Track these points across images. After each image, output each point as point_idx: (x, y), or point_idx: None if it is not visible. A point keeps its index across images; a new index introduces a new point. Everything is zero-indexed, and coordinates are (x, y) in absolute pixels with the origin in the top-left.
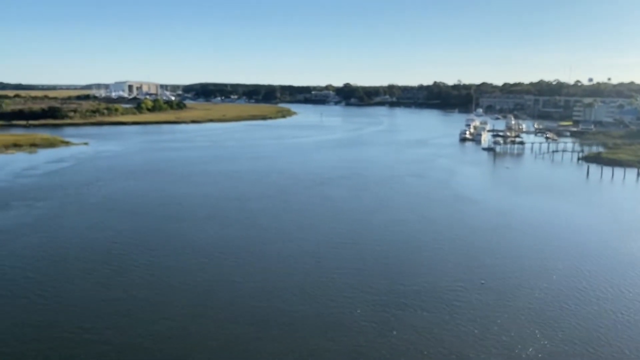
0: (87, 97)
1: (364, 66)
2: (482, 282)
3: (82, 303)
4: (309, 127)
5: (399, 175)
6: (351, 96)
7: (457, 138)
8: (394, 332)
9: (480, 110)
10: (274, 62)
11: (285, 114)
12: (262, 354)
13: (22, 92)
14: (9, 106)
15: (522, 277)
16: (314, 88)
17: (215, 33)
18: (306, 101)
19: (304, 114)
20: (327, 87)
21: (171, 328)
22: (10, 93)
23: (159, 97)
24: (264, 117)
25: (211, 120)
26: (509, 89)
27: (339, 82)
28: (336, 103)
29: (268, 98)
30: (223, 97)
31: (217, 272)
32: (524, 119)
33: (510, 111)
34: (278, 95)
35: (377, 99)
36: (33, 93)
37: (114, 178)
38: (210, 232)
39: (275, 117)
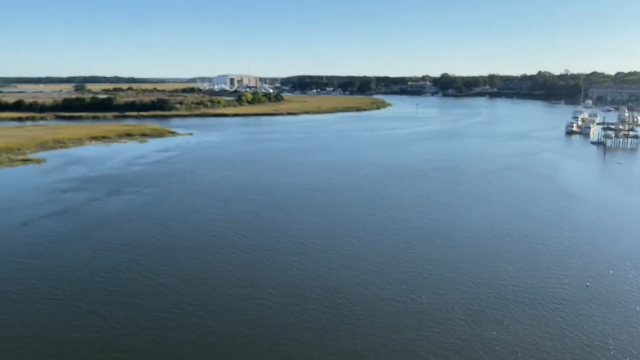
0: (192, 90)
1: (462, 56)
2: (588, 284)
3: (184, 284)
4: (404, 118)
5: (498, 169)
6: (449, 87)
7: (562, 131)
8: (493, 333)
9: (589, 102)
10: (369, 53)
11: (380, 105)
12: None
13: (134, 86)
14: (123, 98)
15: (632, 282)
16: (410, 79)
17: (312, 27)
18: (402, 92)
19: (399, 106)
20: (424, 78)
21: (265, 315)
22: (124, 86)
23: (258, 90)
24: (358, 109)
25: (306, 112)
26: (622, 79)
27: (436, 73)
28: (433, 94)
29: (363, 90)
30: (319, 89)
31: (309, 260)
32: (639, 112)
33: (624, 102)
34: (373, 86)
35: (477, 90)
36: (144, 86)
37: (215, 167)
38: (303, 222)
39: (369, 109)
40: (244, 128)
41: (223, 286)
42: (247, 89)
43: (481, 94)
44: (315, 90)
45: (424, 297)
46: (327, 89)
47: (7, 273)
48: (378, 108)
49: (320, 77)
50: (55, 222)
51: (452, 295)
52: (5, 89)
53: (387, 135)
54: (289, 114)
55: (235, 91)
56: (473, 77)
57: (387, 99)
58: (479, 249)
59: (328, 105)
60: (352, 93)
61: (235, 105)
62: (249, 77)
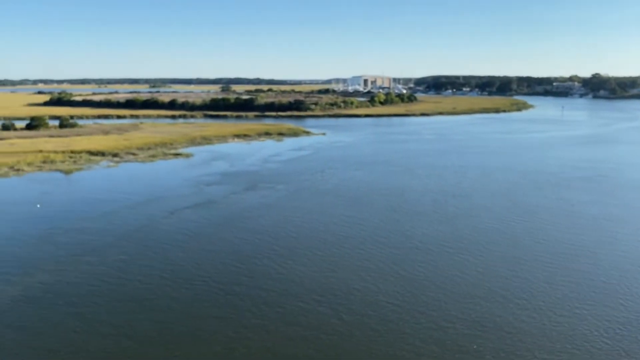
0: (326, 91)
1: (617, 54)
2: None
3: (309, 279)
4: (547, 121)
5: None
6: (600, 88)
7: None
8: None
9: None
10: (510, 51)
11: (521, 107)
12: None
13: (274, 87)
14: (263, 99)
15: None
16: (556, 79)
17: (447, 25)
18: (545, 93)
19: (542, 107)
20: (571, 78)
21: (388, 319)
22: (265, 88)
23: (391, 91)
24: (496, 110)
25: (440, 113)
26: None
27: (586, 73)
28: (581, 96)
29: (502, 90)
30: (454, 90)
31: (437, 267)
32: None
33: None
34: (514, 87)
35: (634, 91)
36: (282, 87)
37: (345, 167)
38: (431, 227)
39: (509, 110)
40: (375, 128)
41: (347, 285)
42: (380, 90)
43: (639, 96)
44: (450, 91)
45: (559, 317)
46: (464, 89)
47: (157, 256)
48: (519, 110)
49: (457, 77)
50: (198, 212)
51: (596, 322)
52: (162, 89)
53: (527, 139)
54: (422, 114)
55: (369, 92)
56: (630, 78)
57: (529, 100)
58: (624, 269)
59: (464, 106)
60: (490, 94)
61: (367, 106)
62: (382, 78)
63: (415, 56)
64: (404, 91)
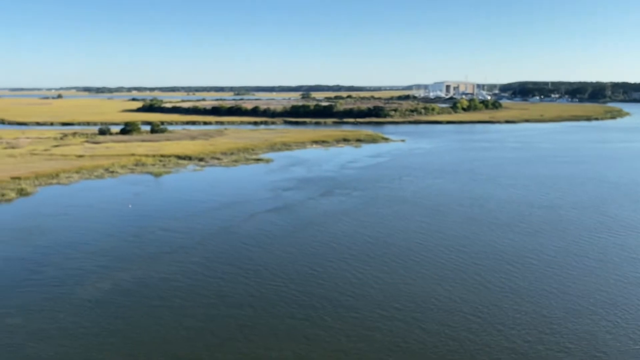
0: (407, 98)
1: None
2: None
3: (388, 287)
4: None
5: None
6: None
7: None
8: None
9: None
10: (604, 56)
11: (615, 114)
12: None
13: (354, 94)
14: (342, 106)
15: None
16: None
17: (534, 29)
18: None
19: None
20: None
21: (468, 331)
22: (344, 94)
23: (474, 97)
24: (588, 118)
25: (527, 121)
26: None
27: None
28: None
29: (595, 97)
30: (542, 96)
31: (519, 281)
32: None
33: None
34: (608, 93)
35: None
36: (362, 94)
37: (424, 175)
38: (513, 239)
39: (602, 118)
40: (457, 136)
41: (427, 294)
42: (463, 96)
43: None
44: (538, 98)
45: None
46: (552, 95)
47: (238, 257)
48: (613, 117)
49: (545, 83)
50: (276, 216)
51: None
52: (246, 97)
53: (623, 149)
54: (507, 122)
55: (451, 98)
56: None
57: (626, 107)
58: None
59: (552, 114)
60: (581, 100)
61: (449, 113)
62: (465, 84)
63: (501, 62)
64: (488, 97)
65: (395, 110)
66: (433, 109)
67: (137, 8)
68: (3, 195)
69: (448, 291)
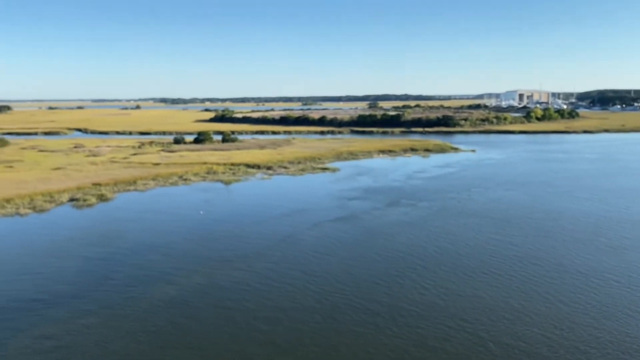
0: (477, 107)
1: None
2: None
3: (453, 300)
4: None
5: None
6: None
7: None
8: None
9: None
10: None
11: None
12: None
13: (422, 103)
14: (410, 115)
15: None
16: None
17: (613, 37)
18: None
19: None
20: None
21: (547, 349)
22: (412, 103)
23: (549, 106)
24: None
25: (606, 131)
26: None
27: None
28: None
29: None
30: (624, 105)
31: (597, 304)
32: None
33: None
34: None
35: None
36: (430, 103)
37: (494, 186)
38: (590, 255)
39: None
40: (530, 146)
41: (494, 312)
42: (537, 105)
43: None
44: (619, 106)
45: None
46: (635, 104)
47: (300, 267)
48: None
49: (627, 91)
50: (340, 226)
51: None
52: (313, 107)
53: None
54: (585, 132)
55: (524, 107)
56: None
57: None
58: None
59: (635, 123)
60: None
61: (522, 122)
62: (539, 93)
63: (578, 69)
64: (564, 106)
65: (465, 119)
66: (505, 119)
67: (210, 27)
68: (85, 200)
69: (521, 306)
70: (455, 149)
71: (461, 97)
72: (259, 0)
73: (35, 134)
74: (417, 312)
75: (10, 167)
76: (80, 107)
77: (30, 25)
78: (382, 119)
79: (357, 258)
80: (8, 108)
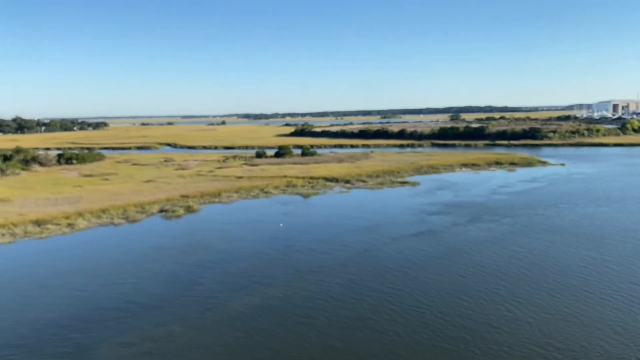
0: (567, 118)
1: None
2: None
3: (544, 323)
4: None
5: None
6: None
7: None
8: None
9: None
10: None
11: None
12: None
13: (507, 114)
14: (494, 127)
15: None
16: None
17: None
18: None
19: None
20: None
21: None
22: (497, 115)
23: None
24: None
25: None
26: None
27: None
28: None
29: None
30: None
31: None
32: None
33: None
34: None
35: None
36: (516, 115)
37: (585, 202)
38: None
39: None
40: (626, 159)
41: (589, 336)
42: (634, 116)
43: None
44: None
45: None
46: None
47: (378, 280)
48: None
49: None
50: (418, 241)
51: None
52: (392, 120)
53: None
54: None
55: (619, 118)
56: None
57: None
58: None
59: None
60: None
61: (617, 134)
62: (637, 103)
63: None
64: None
65: (553, 131)
66: (597, 130)
67: (291, 44)
68: (173, 211)
69: (619, 334)
70: (543, 163)
71: (549, 109)
72: (338, 15)
73: (129, 148)
74: (503, 336)
75: (106, 179)
76: (170, 123)
77: (125, 50)
78: (464, 132)
79: (438, 274)
80: (105, 124)
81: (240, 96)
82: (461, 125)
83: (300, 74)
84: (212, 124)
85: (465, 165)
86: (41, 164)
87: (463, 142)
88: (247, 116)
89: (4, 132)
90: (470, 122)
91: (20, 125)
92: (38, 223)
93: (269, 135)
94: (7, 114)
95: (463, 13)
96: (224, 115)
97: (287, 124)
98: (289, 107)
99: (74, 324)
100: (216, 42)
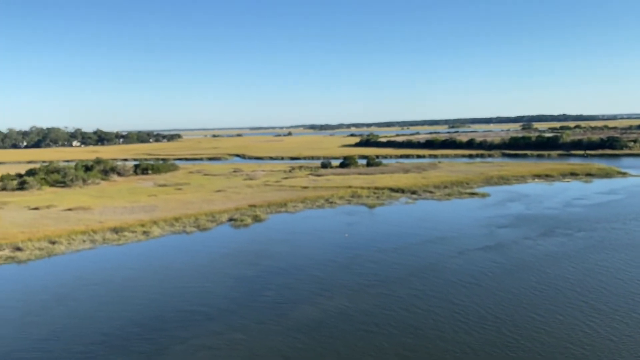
0: None
1: None
2: None
3: (620, 342)
4: None
5: None
6: None
7: None
8: None
9: None
10: None
11: None
12: None
13: (582, 123)
14: (569, 137)
15: None
16: None
17: None
18: None
19: None
20: None
21: None
22: (571, 124)
23: None
24: None
25: None
26: None
27: None
28: None
29: None
30: None
31: None
32: None
33: None
34: None
35: None
36: (593, 123)
37: None
38: None
39: None
40: None
41: None
42: None
43: None
44: None
45: None
46: None
47: (442, 295)
48: None
49: None
50: (486, 255)
51: None
52: (461, 129)
53: None
54: None
55: None
56: None
57: None
58: None
59: None
60: None
61: None
62: None
63: None
64: None
65: (634, 140)
66: None
67: (356, 55)
68: (242, 220)
69: None
70: (623, 174)
71: (629, 116)
72: (394, 31)
73: (201, 159)
74: (586, 355)
75: (180, 189)
76: (239, 135)
77: (199, 67)
78: (537, 141)
79: (509, 288)
80: (179, 136)
81: (306, 107)
82: (533, 135)
83: (364, 85)
84: (279, 135)
85: (538, 176)
86: (119, 174)
87: (535, 152)
88: (312, 127)
89: (85, 143)
90: (543, 131)
91: (101, 138)
92: (116, 230)
93: (334, 146)
94: (89, 127)
95: (535, 18)
96: (290, 127)
97: (352, 135)
98: (354, 118)
99: (150, 324)
100: (283, 56)
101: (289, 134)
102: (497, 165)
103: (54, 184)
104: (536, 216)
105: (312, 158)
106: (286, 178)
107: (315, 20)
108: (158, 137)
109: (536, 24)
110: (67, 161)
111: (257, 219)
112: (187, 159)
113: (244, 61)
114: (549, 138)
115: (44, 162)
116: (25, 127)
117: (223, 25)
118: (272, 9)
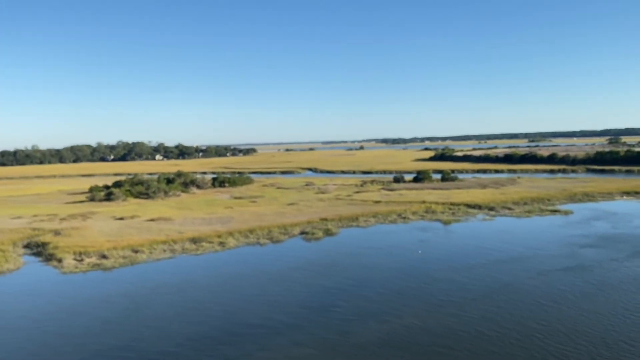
0: None
1: None
2: None
3: None
4: None
5: None
6: None
7: None
8: None
9: None
10: None
11: None
12: None
13: None
14: None
15: None
16: None
17: None
18: None
19: None
20: None
21: None
22: None
23: None
24: None
25: None
26: None
27: None
28: None
29: None
30: None
31: None
32: None
33: None
34: None
35: None
36: None
37: None
38: None
39: None
40: None
41: None
42: None
43: None
44: None
45: None
46: None
47: (516, 320)
48: None
49: None
50: (567, 277)
51: None
52: (541, 143)
53: None
54: None
55: None
56: None
57: None
58: None
59: None
60: None
61: None
62: None
63: None
64: None
65: None
66: None
67: (428, 68)
68: (313, 234)
69: None
70: None
71: None
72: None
73: (274, 172)
74: None
75: (254, 202)
76: (311, 149)
77: (273, 84)
78: (625, 156)
79: (593, 313)
80: (254, 150)
81: (378, 121)
82: (622, 149)
83: (438, 98)
84: (351, 149)
85: (626, 193)
86: (198, 186)
87: (624, 168)
88: (385, 141)
89: (168, 157)
90: (633, 146)
91: (181, 152)
92: (194, 241)
93: (407, 160)
94: (171, 141)
95: (626, 22)
96: (362, 140)
97: (426, 148)
98: (428, 131)
99: (221, 337)
100: (353, 73)
101: (361, 147)
102: (582, 181)
103: (138, 195)
104: (624, 236)
105: (385, 172)
106: (358, 192)
107: (382, 36)
108: (235, 151)
109: (623, 30)
110: (150, 174)
111: (328, 232)
112: (261, 173)
113: (313, 77)
114: (639, 152)
115: (129, 174)
116: (113, 141)
117: (295, 48)
118: (344, 27)
